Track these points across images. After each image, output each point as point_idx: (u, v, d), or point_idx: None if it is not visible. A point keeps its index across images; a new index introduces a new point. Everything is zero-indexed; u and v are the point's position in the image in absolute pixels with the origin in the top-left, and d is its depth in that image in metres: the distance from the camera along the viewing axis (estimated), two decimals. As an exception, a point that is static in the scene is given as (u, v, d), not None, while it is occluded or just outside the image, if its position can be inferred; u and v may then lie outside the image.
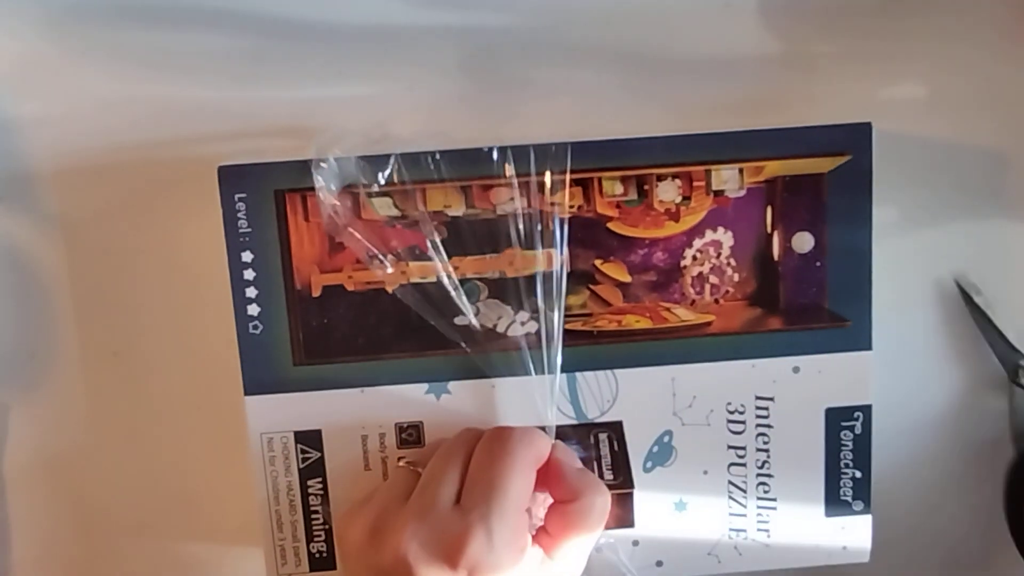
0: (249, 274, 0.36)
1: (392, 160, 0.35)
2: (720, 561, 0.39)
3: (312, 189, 0.35)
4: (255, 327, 0.36)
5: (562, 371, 0.37)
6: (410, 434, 0.37)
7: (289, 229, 0.36)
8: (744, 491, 0.38)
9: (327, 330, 0.36)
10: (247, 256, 0.36)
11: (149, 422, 0.39)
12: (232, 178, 0.35)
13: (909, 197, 0.39)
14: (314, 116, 0.37)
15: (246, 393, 0.37)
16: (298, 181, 0.35)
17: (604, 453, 0.38)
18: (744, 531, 0.38)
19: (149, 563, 0.40)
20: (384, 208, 0.36)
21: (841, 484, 0.38)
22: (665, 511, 0.38)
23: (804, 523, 0.38)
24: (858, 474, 0.38)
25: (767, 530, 0.38)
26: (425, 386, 0.37)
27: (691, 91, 0.38)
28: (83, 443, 0.39)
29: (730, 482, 0.38)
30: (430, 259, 0.36)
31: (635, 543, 0.39)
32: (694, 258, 0.37)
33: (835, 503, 0.38)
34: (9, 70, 0.37)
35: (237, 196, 0.35)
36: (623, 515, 0.38)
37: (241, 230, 0.35)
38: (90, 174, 0.37)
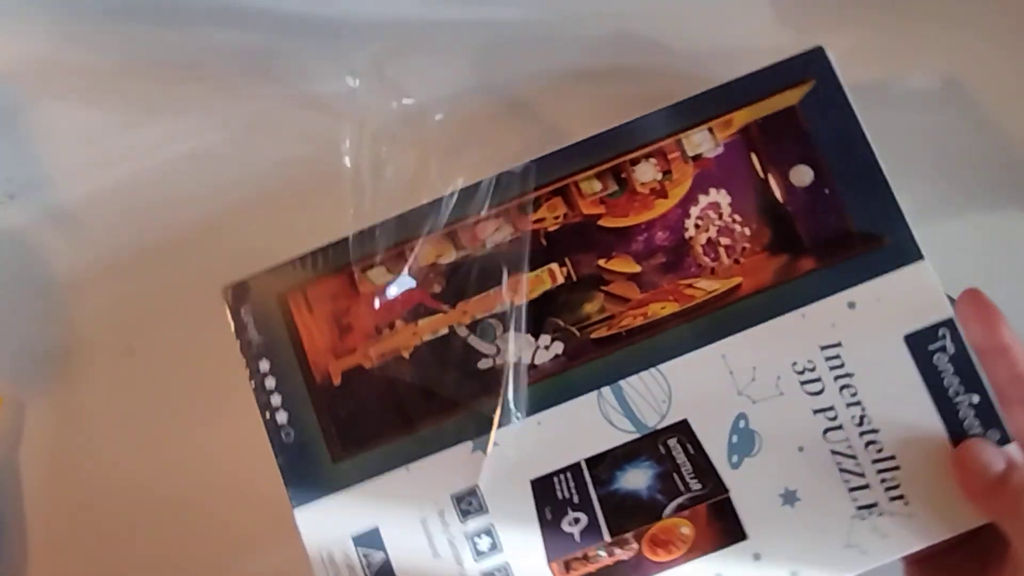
0: (270, 383, 0.36)
1: (376, 231, 0.36)
2: (864, 552, 0.32)
3: (309, 281, 0.36)
4: (287, 435, 0.35)
5: (605, 383, 0.34)
6: (470, 503, 0.34)
7: (298, 326, 0.36)
8: (854, 458, 0.33)
9: (357, 416, 0.35)
10: (264, 365, 0.36)
11: (163, 418, 0.38)
12: (239, 295, 0.36)
13: (923, 190, 0.37)
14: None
15: (294, 507, 0.35)
16: (296, 279, 0.36)
17: (681, 461, 0.34)
18: (875, 505, 0.33)
19: (163, 559, 0.38)
20: (379, 277, 0.36)
21: (960, 416, 0.32)
22: (773, 508, 0.33)
23: (938, 475, 0.32)
24: (975, 398, 0.32)
25: (901, 496, 0.32)
26: (470, 444, 0.35)
27: (704, 86, 0.38)
28: (97, 439, 0.38)
29: (833, 451, 0.33)
30: (436, 312, 0.35)
31: (756, 556, 0.33)
32: (696, 226, 0.35)
33: (963, 440, 0.32)
34: (21, 69, 0.39)
35: (243, 310, 0.36)
36: (729, 527, 0.33)
37: (254, 342, 0.36)
38: (103, 171, 0.38)
